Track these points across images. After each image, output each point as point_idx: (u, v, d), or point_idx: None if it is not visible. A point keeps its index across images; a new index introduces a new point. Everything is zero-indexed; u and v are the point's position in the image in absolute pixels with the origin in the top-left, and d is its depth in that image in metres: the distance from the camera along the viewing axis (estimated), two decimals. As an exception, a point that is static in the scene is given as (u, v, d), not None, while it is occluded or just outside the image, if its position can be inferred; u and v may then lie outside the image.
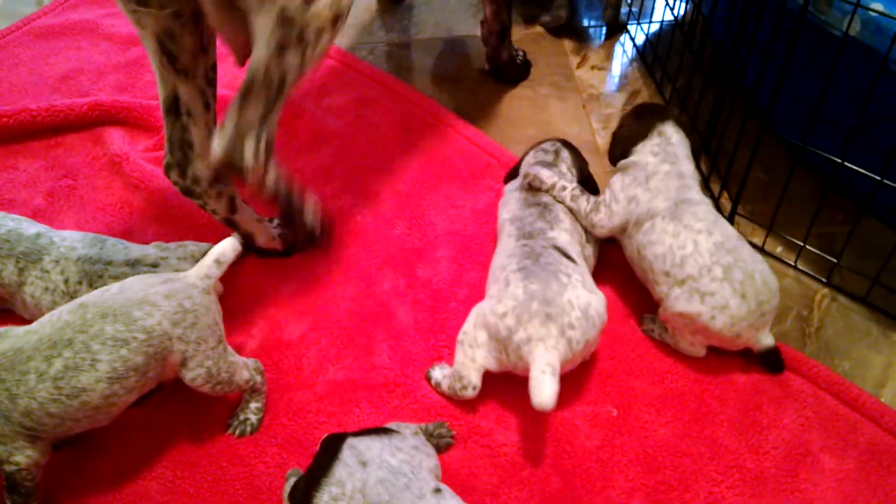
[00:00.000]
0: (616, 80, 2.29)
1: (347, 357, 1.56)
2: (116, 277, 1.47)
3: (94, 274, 1.49)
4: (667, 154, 1.60)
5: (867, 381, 1.57)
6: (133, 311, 1.25)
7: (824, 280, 1.74)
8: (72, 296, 1.46)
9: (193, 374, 1.31)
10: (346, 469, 1.22)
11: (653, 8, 2.55)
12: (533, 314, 1.37)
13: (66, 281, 1.49)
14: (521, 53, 2.26)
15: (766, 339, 1.52)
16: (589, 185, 1.72)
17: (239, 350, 1.46)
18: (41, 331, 1.23)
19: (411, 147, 2.03)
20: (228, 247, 1.37)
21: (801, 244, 1.74)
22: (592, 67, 2.32)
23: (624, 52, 2.40)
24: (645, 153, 1.62)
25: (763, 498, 1.38)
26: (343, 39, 2.40)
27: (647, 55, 2.34)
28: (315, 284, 1.70)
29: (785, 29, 1.55)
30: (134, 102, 2.08)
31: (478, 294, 1.63)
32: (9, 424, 1.19)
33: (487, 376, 1.46)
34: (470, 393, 1.44)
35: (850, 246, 1.70)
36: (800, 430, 1.48)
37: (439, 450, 1.39)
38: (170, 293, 1.29)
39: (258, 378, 1.42)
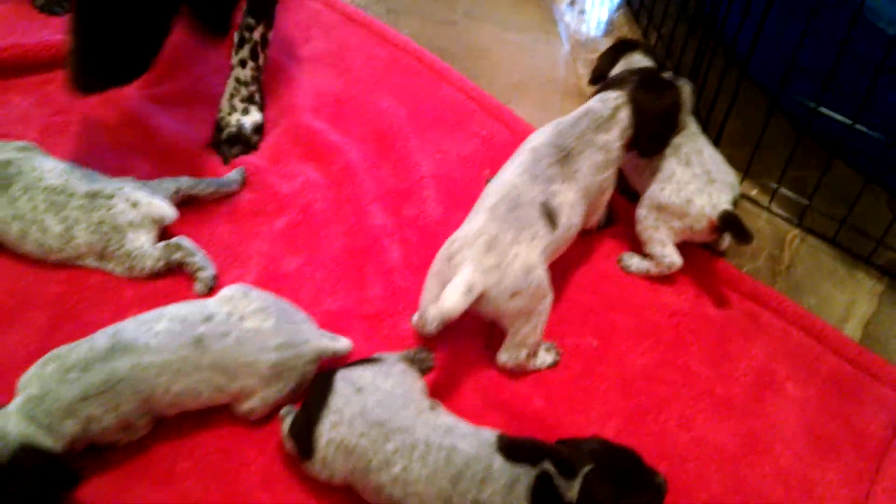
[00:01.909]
0: (602, 26, 2.33)
1: (341, 290, 1.63)
2: (79, 209, 1.56)
3: (59, 204, 1.56)
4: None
5: (832, 316, 1.67)
6: (241, 370, 1.35)
7: (796, 222, 1.83)
8: (38, 224, 1.55)
9: (252, 416, 1.41)
10: (341, 398, 1.29)
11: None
12: (477, 244, 1.38)
13: (33, 208, 1.56)
14: None
15: (723, 206, 1.60)
16: (642, 143, 1.61)
17: (235, 282, 1.52)
18: (164, 352, 1.33)
19: (397, 92, 2.06)
20: (344, 347, 1.45)
21: (775, 186, 1.82)
22: (580, 11, 2.36)
23: (609, -2, 2.44)
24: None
25: (731, 421, 1.48)
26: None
27: (634, 1, 2.37)
28: (307, 222, 1.75)
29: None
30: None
31: (465, 232, 1.71)
32: (144, 417, 1.35)
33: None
34: (429, 327, 1.33)
35: (821, 191, 1.78)
36: (767, 359, 1.58)
37: (422, 374, 1.46)
38: (277, 364, 1.37)
39: None
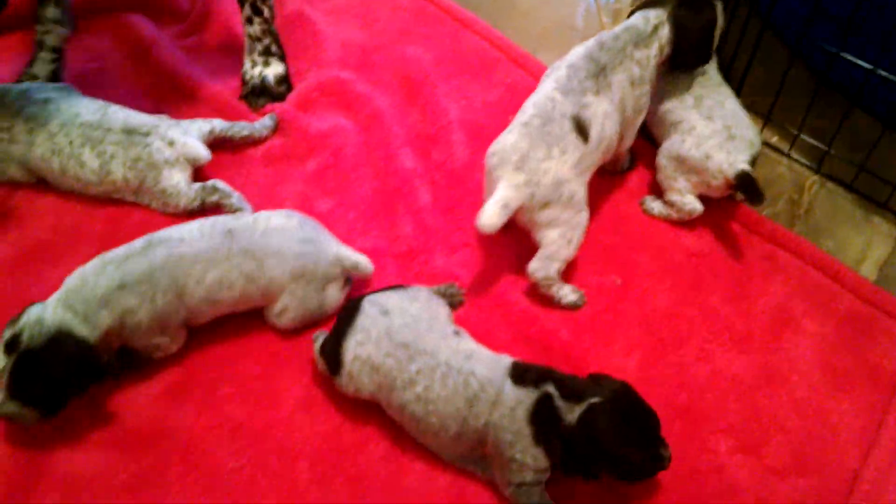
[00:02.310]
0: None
1: (373, 229, 1.69)
2: (115, 144, 1.63)
3: (95, 139, 1.63)
4: None
5: (848, 258, 1.71)
6: (268, 258, 1.42)
7: (815, 168, 1.87)
8: (76, 158, 1.62)
9: (283, 322, 1.49)
10: (368, 319, 1.36)
11: None
12: (510, 161, 1.47)
13: (70, 143, 1.63)
14: None
15: (740, 165, 1.62)
16: (679, 59, 1.67)
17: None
18: (196, 242, 1.41)
19: (423, 41, 2.10)
20: (369, 269, 1.53)
21: (796, 133, 1.86)
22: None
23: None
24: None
25: (749, 355, 1.54)
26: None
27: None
28: (338, 165, 1.80)
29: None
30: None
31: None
32: (177, 316, 1.41)
33: (499, 241, 1.62)
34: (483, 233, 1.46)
35: (840, 138, 1.81)
36: (785, 298, 1.63)
37: (452, 307, 1.53)
38: (301, 255, 1.44)
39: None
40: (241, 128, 1.80)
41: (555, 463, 1.26)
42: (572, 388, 1.26)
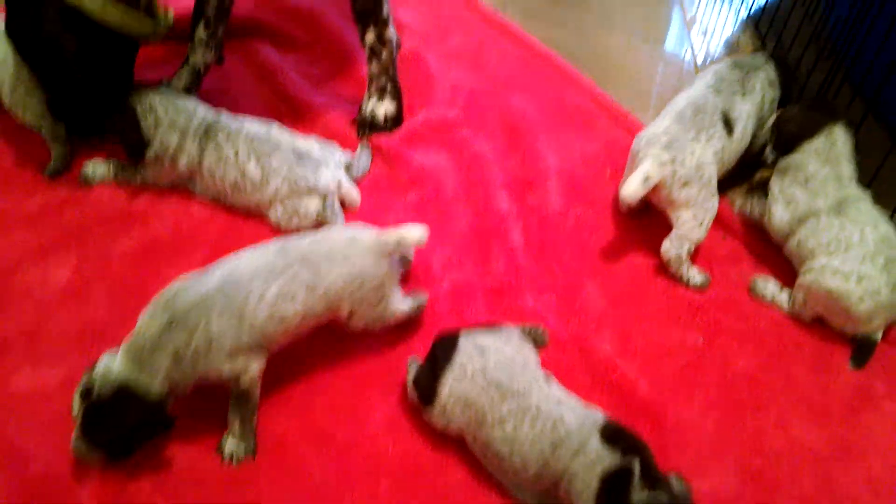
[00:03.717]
0: (725, 45, 2.40)
1: (467, 263, 1.77)
2: (282, 161, 1.74)
3: (263, 153, 1.75)
4: (829, 156, 1.70)
5: (934, 344, 1.71)
6: (322, 264, 1.46)
7: None
8: (241, 168, 1.74)
9: (354, 326, 1.54)
10: (465, 356, 1.43)
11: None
12: (659, 142, 1.66)
13: (235, 153, 1.75)
14: None
15: (878, 334, 1.65)
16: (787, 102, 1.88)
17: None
18: (252, 260, 1.45)
19: (528, 91, 2.19)
20: (416, 234, 1.54)
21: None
22: (702, 33, 2.44)
23: (736, 16, 2.50)
24: (809, 153, 1.72)
25: (827, 428, 1.55)
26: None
27: (762, 23, 2.43)
28: (438, 199, 1.89)
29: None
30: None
31: (583, 227, 1.84)
32: (244, 338, 1.39)
33: (585, 288, 1.69)
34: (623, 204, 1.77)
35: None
36: (867, 377, 1.64)
37: (536, 347, 1.57)
38: (348, 255, 1.49)
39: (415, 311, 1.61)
40: (356, 169, 1.91)
41: None
42: (652, 475, 1.28)
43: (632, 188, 1.63)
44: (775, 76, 1.88)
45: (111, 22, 1.69)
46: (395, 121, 2.06)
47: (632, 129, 2.07)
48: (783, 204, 1.72)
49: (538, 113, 2.12)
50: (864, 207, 1.67)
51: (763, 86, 1.84)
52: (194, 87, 2.04)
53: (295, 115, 2.06)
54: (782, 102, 1.89)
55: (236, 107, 2.08)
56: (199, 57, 2.03)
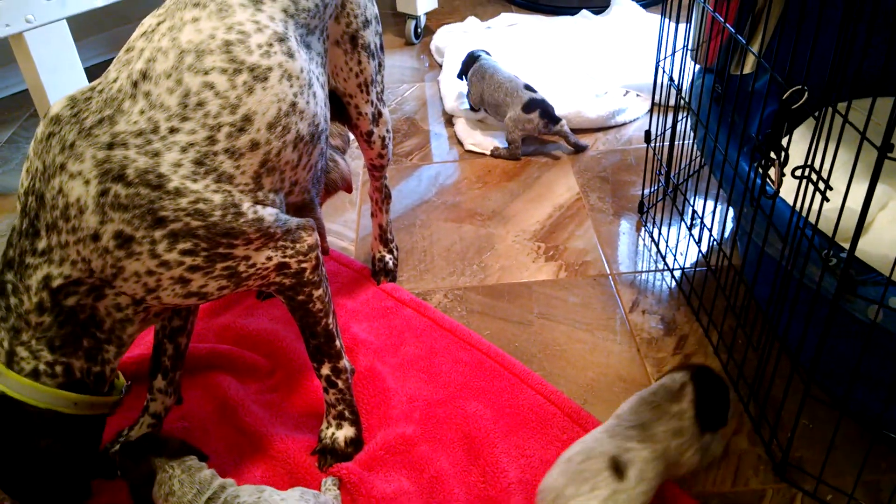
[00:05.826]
0: (665, 324, 2.54)
1: None
2: None
3: None
4: None
5: None
6: None
7: (875, 529, 1.87)
8: None
9: None
10: None
11: (686, 252, 2.84)
12: (546, 501, 1.71)
13: None
14: None
15: None
16: (707, 422, 1.82)
17: None
18: None
19: (482, 396, 2.25)
20: None
21: (849, 496, 1.89)
22: (643, 312, 2.59)
23: (672, 296, 2.67)
24: None
25: None
26: (415, 284, 2.73)
27: (693, 301, 2.60)
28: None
29: (821, 306, 1.78)
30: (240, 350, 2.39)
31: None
32: None
33: None
34: None
35: (896, 496, 1.84)
36: None
37: None
38: None
39: None
40: None
41: None
42: None
43: None
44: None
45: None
46: (356, 444, 2.10)
47: (586, 426, 2.13)
48: None
49: (494, 418, 2.18)
50: None
51: (668, 428, 1.79)
52: (157, 431, 2.08)
53: (255, 449, 2.09)
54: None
55: (198, 444, 2.12)
56: (159, 405, 2.09)
